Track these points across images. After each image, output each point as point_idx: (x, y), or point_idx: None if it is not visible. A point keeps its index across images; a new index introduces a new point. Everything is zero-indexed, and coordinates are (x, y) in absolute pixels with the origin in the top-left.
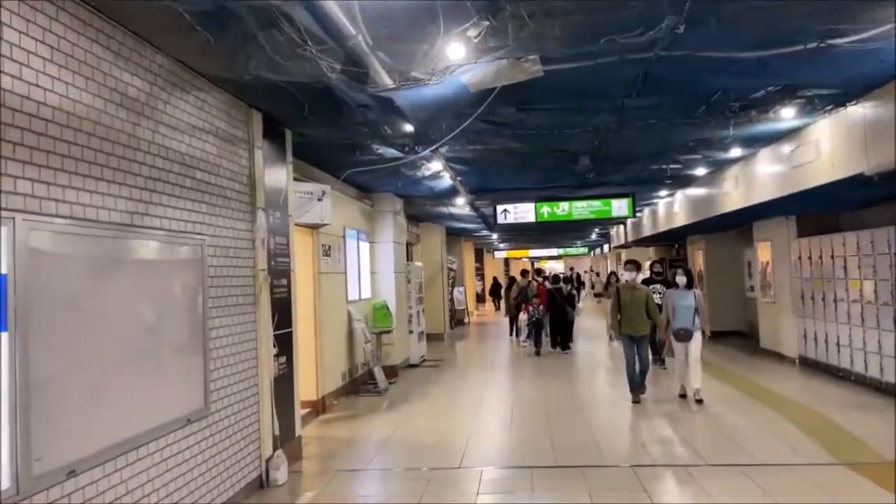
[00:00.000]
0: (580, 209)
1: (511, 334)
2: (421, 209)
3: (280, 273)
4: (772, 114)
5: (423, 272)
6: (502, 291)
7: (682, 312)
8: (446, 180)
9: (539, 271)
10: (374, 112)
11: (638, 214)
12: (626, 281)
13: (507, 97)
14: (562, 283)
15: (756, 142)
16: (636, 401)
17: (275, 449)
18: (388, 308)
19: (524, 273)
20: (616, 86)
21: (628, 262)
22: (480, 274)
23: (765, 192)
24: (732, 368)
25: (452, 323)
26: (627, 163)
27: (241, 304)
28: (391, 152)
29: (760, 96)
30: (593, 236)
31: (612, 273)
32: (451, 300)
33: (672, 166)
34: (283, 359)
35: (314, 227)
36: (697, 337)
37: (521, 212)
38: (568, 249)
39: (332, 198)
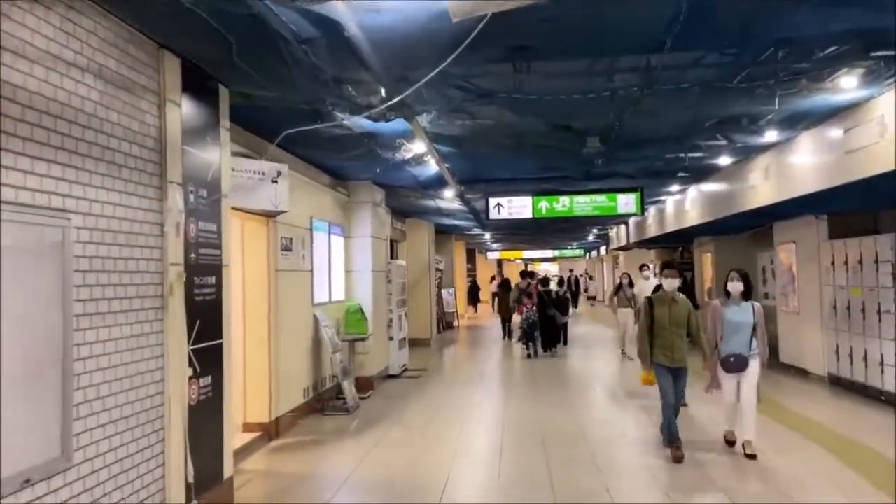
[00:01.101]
0: (582, 205)
1: (504, 337)
2: (406, 202)
3: (206, 269)
4: (828, 83)
5: (408, 272)
6: (493, 293)
7: (736, 333)
8: (431, 166)
9: (532, 273)
10: (320, 52)
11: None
12: (664, 291)
13: (501, 42)
14: (552, 286)
15: (801, 120)
16: (677, 457)
17: (188, 501)
18: (363, 312)
19: (523, 275)
20: (646, 31)
21: (666, 266)
22: (472, 275)
23: (804, 185)
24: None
25: (440, 327)
26: (642, 147)
27: (137, 311)
28: (362, 124)
29: (822, 57)
30: (590, 238)
31: (625, 275)
32: (440, 302)
33: (692, 155)
34: (206, 380)
35: (270, 216)
36: (755, 368)
37: (517, 206)
38: (563, 251)
39: (298, 183)
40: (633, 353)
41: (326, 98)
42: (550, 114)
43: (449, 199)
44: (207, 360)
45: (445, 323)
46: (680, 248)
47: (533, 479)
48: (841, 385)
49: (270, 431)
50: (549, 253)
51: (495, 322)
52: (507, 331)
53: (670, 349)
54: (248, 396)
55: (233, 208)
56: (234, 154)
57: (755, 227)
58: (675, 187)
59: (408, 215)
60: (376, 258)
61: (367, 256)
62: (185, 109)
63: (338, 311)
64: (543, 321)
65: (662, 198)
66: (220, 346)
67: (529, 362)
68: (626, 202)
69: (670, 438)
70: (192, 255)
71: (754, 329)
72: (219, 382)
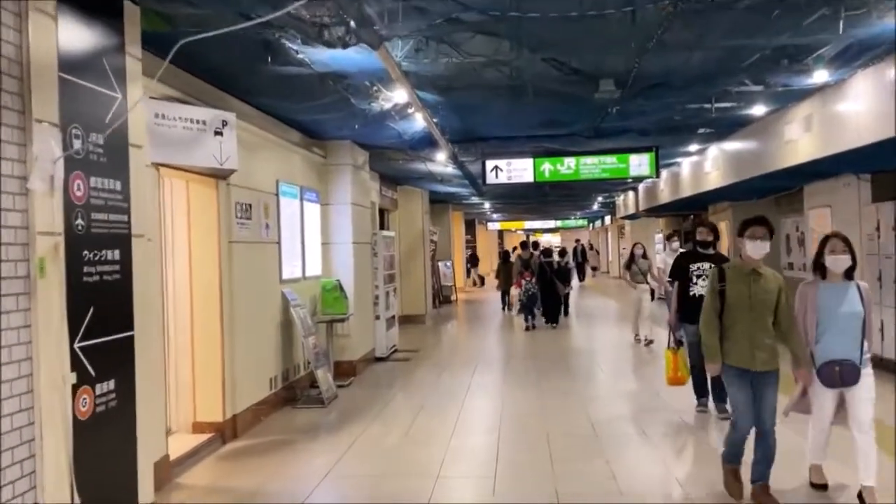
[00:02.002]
0: (589, 167)
1: (504, 309)
2: (394, 167)
3: (103, 241)
4: None
5: (399, 243)
6: (496, 265)
7: (839, 328)
8: (417, 121)
9: (535, 244)
10: None
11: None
12: (744, 259)
13: None
14: (554, 257)
15: (861, 54)
16: (735, 491)
17: None
18: (341, 289)
19: (524, 245)
20: None
21: (753, 221)
22: (472, 247)
23: (858, 136)
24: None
25: (437, 301)
26: (663, 94)
27: None
28: (322, 59)
29: None
30: (595, 206)
31: (638, 245)
32: (436, 276)
33: (720, 105)
34: (105, 385)
35: (219, 176)
36: (869, 381)
37: (517, 170)
38: (566, 221)
39: (258, 140)
40: (648, 332)
41: (265, 14)
42: (556, 47)
43: (441, 162)
44: (108, 360)
45: (442, 297)
46: (692, 216)
47: (535, 489)
48: (886, 369)
49: (226, 432)
50: (551, 223)
51: (496, 295)
52: (505, 303)
53: (750, 344)
54: (198, 391)
55: (162, 165)
56: (166, 98)
57: (783, 189)
58: (693, 146)
59: (399, 183)
60: (358, 228)
61: (348, 226)
62: (64, 25)
63: (313, 288)
64: (545, 292)
65: (678, 160)
66: (128, 341)
67: (531, 338)
68: (638, 163)
69: (728, 469)
70: (80, 222)
71: (864, 323)
72: (128, 387)
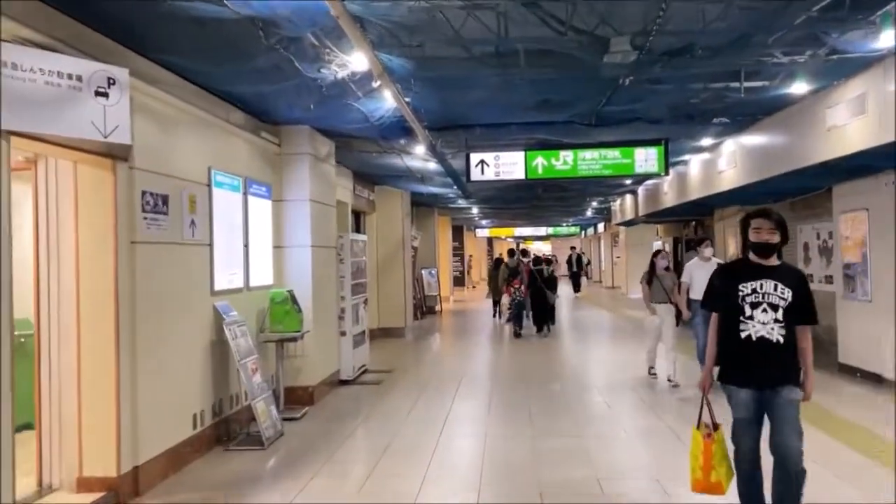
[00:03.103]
0: (588, 163)
1: (494, 316)
2: (368, 163)
3: None
4: None
5: (376, 249)
6: (486, 273)
7: None
8: (387, 101)
9: (524, 252)
10: None
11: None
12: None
13: None
14: (543, 265)
15: None
16: None
17: None
18: (294, 301)
19: (511, 253)
20: None
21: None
22: (459, 254)
23: None
24: (818, 398)
25: (419, 312)
26: (687, 63)
27: None
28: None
29: None
30: (589, 212)
31: (661, 253)
32: (418, 285)
33: (750, 84)
34: None
35: (115, 157)
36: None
37: (506, 165)
38: (558, 229)
39: (184, 117)
40: (672, 370)
41: None
42: None
43: (420, 156)
44: None
45: (426, 308)
46: (693, 222)
47: None
48: None
49: (122, 490)
50: (542, 230)
51: (485, 305)
52: (497, 310)
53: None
54: (85, 435)
55: (14, 133)
56: (23, 42)
57: (807, 191)
58: (706, 140)
59: (377, 182)
60: (320, 230)
61: (306, 227)
62: None
63: (260, 301)
64: (535, 300)
65: (685, 157)
66: None
67: (520, 355)
68: (645, 158)
69: None
70: None
71: None
72: None
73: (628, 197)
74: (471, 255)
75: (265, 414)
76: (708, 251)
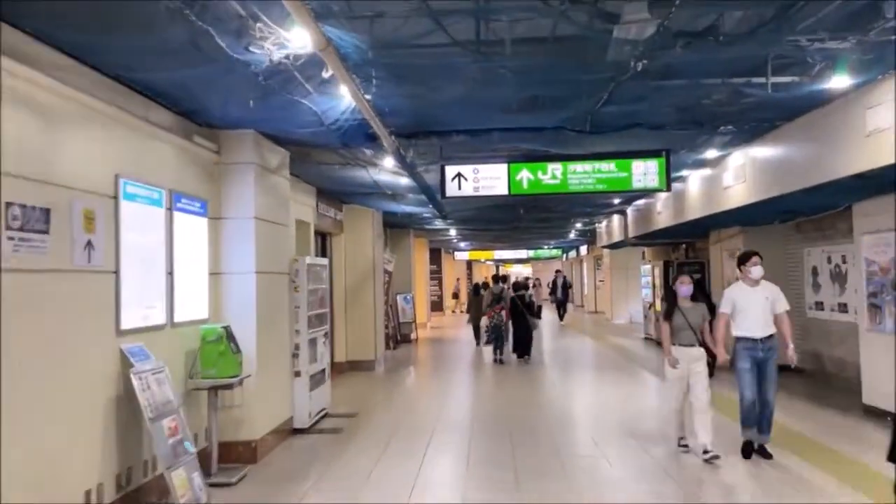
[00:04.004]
0: (580, 176)
1: (478, 345)
2: (332, 177)
3: None
4: None
5: (344, 273)
6: (466, 298)
7: None
8: (344, 99)
9: (504, 278)
10: None
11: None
12: None
13: None
14: (524, 290)
15: None
16: None
17: None
18: (230, 339)
19: (496, 279)
20: None
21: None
22: (437, 278)
23: None
24: (848, 450)
25: (393, 342)
26: (709, 47)
27: None
28: None
29: None
30: (572, 234)
31: (686, 278)
32: (391, 312)
33: (778, 80)
34: None
35: None
36: None
37: (486, 179)
38: (539, 251)
39: (77, 109)
40: (707, 438)
41: None
42: None
43: (389, 169)
44: None
45: (400, 336)
46: (684, 245)
47: None
48: None
49: None
50: (522, 253)
51: (463, 332)
52: (478, 336)
53: None
54: None
55: None
56: None
57: (823, 209)
58: (710, 153)
59: (345, 200)
60: (268, 253)
61: (250, 250)
62: None
63: (189, 340)
64: (516, 326)
65: (683, 172)
66: None
67: (503, 392)
68: (644, 172)
69: None
70: None
71: None
72: None
73: (616, 217)
74: (458, 279)
75: (184, 484)
76: (756, 271)
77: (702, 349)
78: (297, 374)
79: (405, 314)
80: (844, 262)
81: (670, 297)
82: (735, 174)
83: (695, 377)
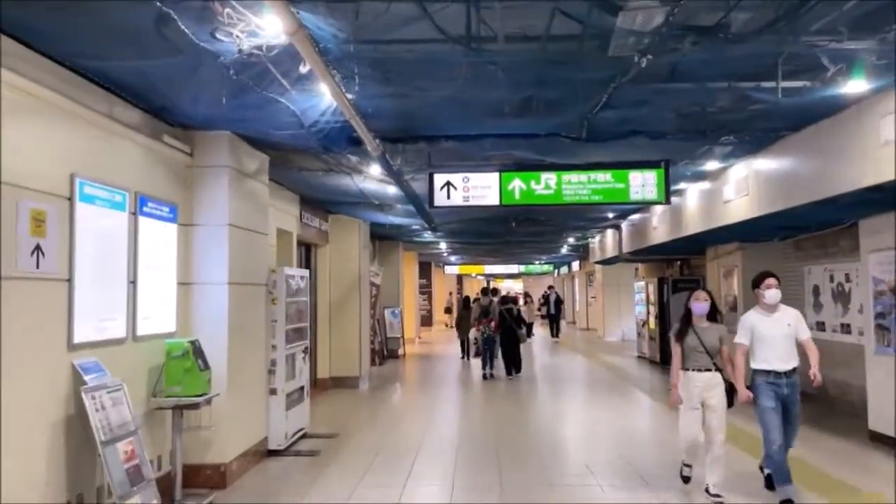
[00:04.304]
0: (575, 187)
1: (463, 358)
2: (317, 186)
3: None
4: None
5: (329, 286)
6: (454, 312)
7: None
8: (324, 97)
9: (495, 291)
10: None
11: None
12: None
13: None
14: (512, 304)
15: None
16: None
17: None
18: (199, 354)
19: (484, 292)
20: None
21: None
22: (427, 292)
23: None
24: (857, 480)
25: (380, 357)
26: (718, 46)
27: None
28: None
29: None
30: (564, 249)
31: (700, 293)
32: (377, 327)
33: (789, 84)
34: None
35: None
36: None
37: (476, 188)
38: (530, 267)
39: (22, 99)
40: (717, 479)
41: None
42: None
43: (375, 176)
44: None
45: (388, 352)
46: (679, 262)
47: None
48: None
49: None
50: (514, 268)
51: (451, 348)
52: (465, 351)
53: None
54: None
55: None
56: None
57: (827, 225)
58: (711, 164)
59: (331, 210)
60: (243, 263)
61: (222, 259)
62: None
63: (154, 354)
64: (505, 341)
65: (681, 185)
66: None
67: (492, 413)
68: (642, 183)
69: None
70: None
71: None
72: None
73: (609, 232)
74: (451, 293)
75: None
76: (772, 294)
77: (718, 375)
78: (273, 391)
79: (393, 329)
80: (848, 280)
81: (684, 317)
82: (737, 187)
83: (711, 410)
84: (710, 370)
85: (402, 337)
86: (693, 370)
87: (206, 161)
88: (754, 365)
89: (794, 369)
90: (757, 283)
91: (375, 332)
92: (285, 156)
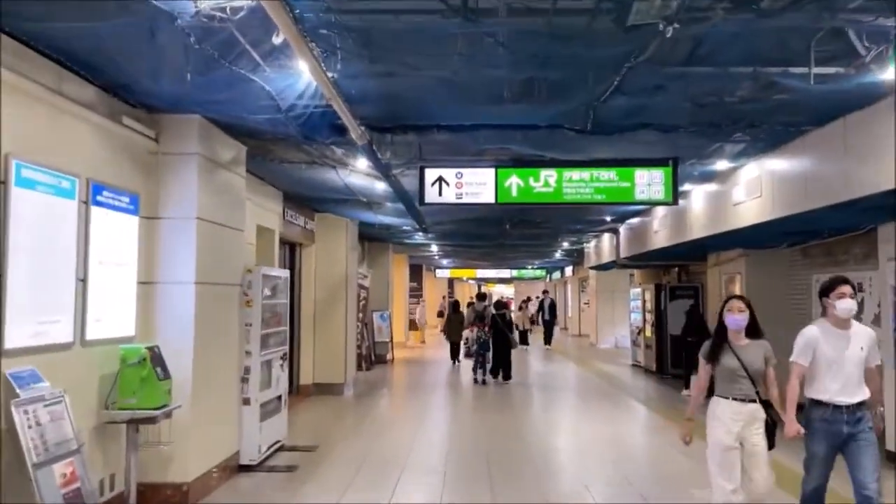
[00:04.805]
0: (577, 185)
1: (454, 362)
2: (300, 180)
3: None
4: None
5: (313, 287)
6: (443, 316)
7: None
8: (302, 76)
9: (484, 296)
10: None
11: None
12: None
13: None
14: (504, 310)
15: None
16: None
17: None
18: (158, 362)
19: (479, 297)
20: None
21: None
22: (418, 295)
23: None
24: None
25: (367, 363)
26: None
27: None
28: None
29: None
30: (558, 254)
31: (736, 301)
32: (364, 332)
33: (822, 70)
34: None
35: None
36: None
37: (470, 185)
38: (522, 271)
39: None
40: None
41: None
42: None
43: (362, 170)
44: None
45: (375, 357)
46: (676, 268)
47: None
48: None
49: None
50: (506, 273)
51: (442, 353)
52: (455, 355)
53: None
54: None
55: None
56: None
57: (845, 231)
58: (721, 164)
59: (317, 208)
60: (214, 261)
61: (189, 256)
62: None
63: (108, 361)
64: (497, 346)
65: (686, 187)
66: None
67: (484, 424)
68: (648, 182)
69: None
70: None
71: None
72: None
73: (606, 237)
74: (444, 297)
75: None
76: (845, 305)
77: (760, 406)
78: (247, 401)
79: (381, 333)
80: (861, 290)
81: (718, 328)
82: (748, 188)
83: (753, 452)
84: (754, 400)
85: (391, 341)
86: (733, 399)
87: (174, 147)
88: (809, 394)
89: (863, 402)
90: (827, 290)
91: (363, 337)
92: (264, 146)
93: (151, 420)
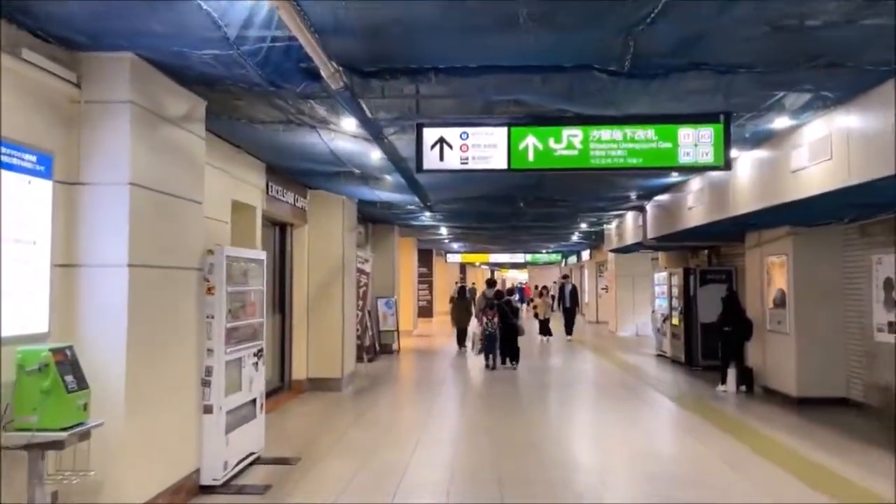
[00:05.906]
0: (607, 146)
1: (460, 347)
2: (282, 148)
3: None
4: None
5: (307, 273)
6: (450, 302)
7: None
8: None
9: (493, 282)
10: None
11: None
12: None
13: None
14: (511, 297)
15: None
16: None
17: None
18: (71, 367)
19: (490, 283)
20: None
21: None
22: (427, 282)
23: None
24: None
25: (370, 353)
26: None
27: None
28: None
29: None
30: (575, 236)
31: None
32: (368, 320)
33: None
34: None
35: None
36: None
37: (478, 147)
38: (536, 256)
39: None
40: None
41: None
42: None
43: (349, 132)
44: None
45: (380, 347)
46: (706, 250)
47: None
48: None
49: None
50: (519, 257)
51: (450, 342)
52: (461, 340)
53: None
54: None
55: None
56: None
57: None
58: (778, 121)
59: (310, 184)
60: (155, 237)
61: (121, 231)
62: None
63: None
64: (504, 333)
65: (731, 154)
66: None
67: (495, 430)
68: (694, 142)
69: None
70: None
71: None
72: None
73: (630, 216)
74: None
75: None
76: None
77: None
78: (208, 409)
79: (387, 321)
80: None
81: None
82: (813, 151)
83: None
84: None
85: (398, 330)
86: None
87: (99, 94)
88: None
89: None
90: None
91: (365, 326)
92: (227, 100)
93: (57, 445)
